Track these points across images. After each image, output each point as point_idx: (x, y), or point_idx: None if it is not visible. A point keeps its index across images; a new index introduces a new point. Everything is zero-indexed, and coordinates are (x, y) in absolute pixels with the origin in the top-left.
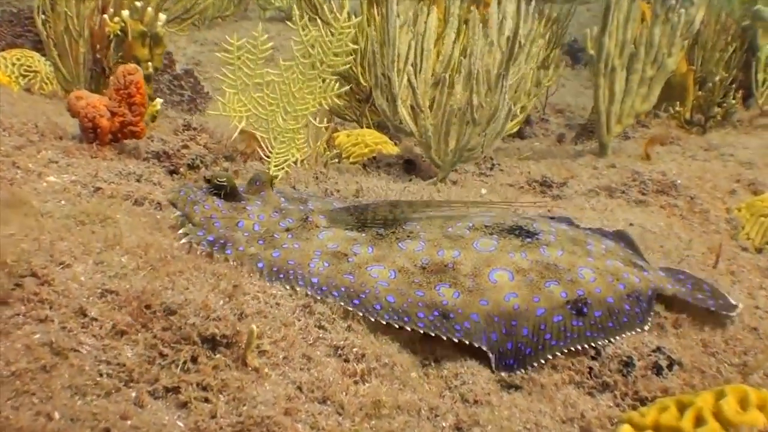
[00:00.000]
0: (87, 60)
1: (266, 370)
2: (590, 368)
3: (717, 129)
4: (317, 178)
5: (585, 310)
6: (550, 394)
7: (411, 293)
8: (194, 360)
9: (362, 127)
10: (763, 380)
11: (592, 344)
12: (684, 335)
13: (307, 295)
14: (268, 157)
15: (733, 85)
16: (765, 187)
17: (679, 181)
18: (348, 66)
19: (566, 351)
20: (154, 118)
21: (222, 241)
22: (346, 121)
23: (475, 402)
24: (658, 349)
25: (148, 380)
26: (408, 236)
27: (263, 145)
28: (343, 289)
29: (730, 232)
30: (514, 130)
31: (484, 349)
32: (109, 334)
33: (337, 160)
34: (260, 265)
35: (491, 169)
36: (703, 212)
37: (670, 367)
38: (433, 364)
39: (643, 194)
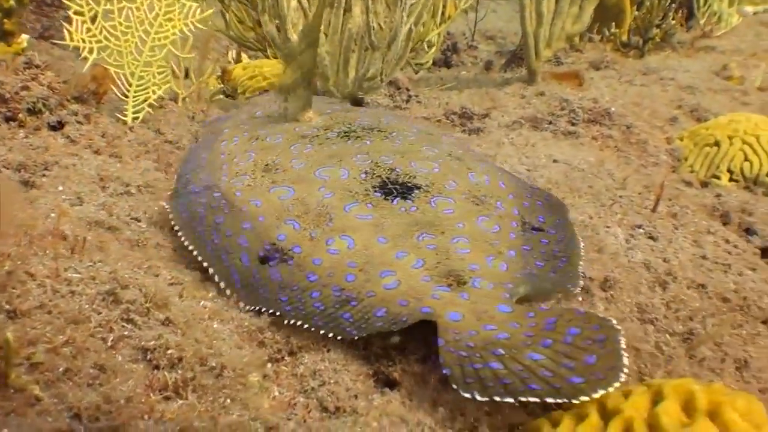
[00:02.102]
0: None
1: (36, 391)
2: None
3: (656, 52)
4: (193, 117)
5: (271, 261)
6: (433, 396)
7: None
8: None
9: (269, 57)
10: (714, 352)
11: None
12: (616, 299)
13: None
14: (126, 96)
15: (673, 5)
16: (708, 113)
17: (613, 109)
18: None
19: None
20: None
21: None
22: (251, 50)
23: (337, 410)
24: None
25: None
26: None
27: (119, 83)
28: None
29: (671, 164)
30: (429, 60)
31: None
32: None
33: (222, 96)
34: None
35: (407, 101)
36: (640, 143)
37: None
38: (287, 358)
39: (573, 125)
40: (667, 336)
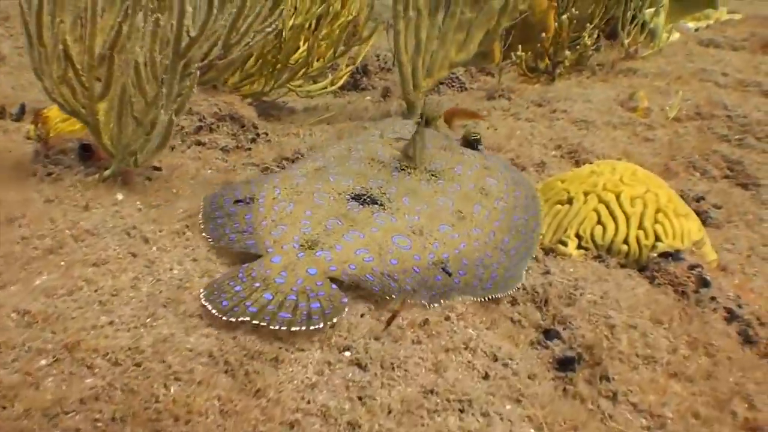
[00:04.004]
0: None
1: None
2: None
3: (572, 76)
4: None
5: (240, 203)
6: None
7: None
8: None
9: None
10: None
11: None
12: None
13: None
14: None
15: (590, 24)
16: (591, 154)
17: None
18: None
19: None
20: None
21: None
22: None
23: None
24: None
25: None
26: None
27: None
28: None
29: None
30: (325, 87)
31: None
32: None
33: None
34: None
35: (253, 141)
36: None
37: None
38: None
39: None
40: None
